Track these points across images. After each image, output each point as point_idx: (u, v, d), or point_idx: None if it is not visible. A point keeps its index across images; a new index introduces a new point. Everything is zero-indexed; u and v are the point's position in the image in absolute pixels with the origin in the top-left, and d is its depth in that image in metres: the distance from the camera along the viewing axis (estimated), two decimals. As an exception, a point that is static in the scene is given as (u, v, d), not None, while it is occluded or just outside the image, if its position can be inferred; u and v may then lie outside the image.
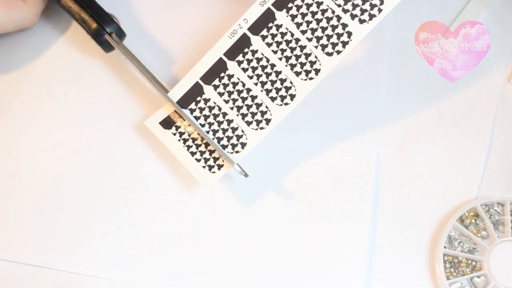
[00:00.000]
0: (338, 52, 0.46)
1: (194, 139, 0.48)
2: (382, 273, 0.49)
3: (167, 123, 0.49)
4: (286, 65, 0.47)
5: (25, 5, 0.49)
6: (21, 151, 0.52)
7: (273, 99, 0.47)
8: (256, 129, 0.47)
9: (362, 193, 0.50)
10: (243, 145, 0.47)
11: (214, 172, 0.47)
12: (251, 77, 0.47)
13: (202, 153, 0.48)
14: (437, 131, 0.52)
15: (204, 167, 0.48)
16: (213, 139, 0.48)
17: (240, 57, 0.47)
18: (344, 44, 0.46)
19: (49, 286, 0.49)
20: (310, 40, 0.46)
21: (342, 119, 0.52)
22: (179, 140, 0.48)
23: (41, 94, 0.53)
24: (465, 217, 0.50)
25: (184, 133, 0.48)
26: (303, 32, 0.46)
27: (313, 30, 0.46)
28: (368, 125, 0.52)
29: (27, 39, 0.54)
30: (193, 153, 0.48)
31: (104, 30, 0.50)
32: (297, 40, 0.46)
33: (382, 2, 0.45)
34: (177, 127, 0.48)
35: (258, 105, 0.47)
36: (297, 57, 0.46)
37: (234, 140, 0.47)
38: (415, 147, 0.52)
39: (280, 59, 0.47)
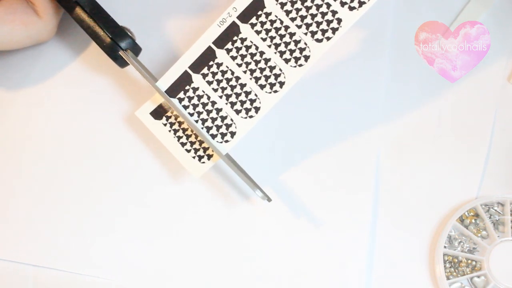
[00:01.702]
0: (328, 38, 0.46)
1: (184, 129, 0.48)
2: (382, 273, 0.49)
3: (157, 113, 0.48)
4: (275, 52, 0.46)
5: (41, 20, 0.50)
6: (21, 152, 0.52)
7: (262, 86, 0.47)
8: (246, 118, 0.47)
9: (362, 193, 0.50)
10: (233, 134, 0.47)
11: (203, 163, 0.47)
12: (240, 65, 0.47)
13: (192, 143, 0.48)
14: (437, 131, 0.52)
15: (194, 157, 0.48)
16: (202, 128, 0.47)
17: (229, 45, 0.47)
18: (334, 30, 0.45)
19: (49, 286, 0.49)
20: (299, 27, 0.46)
21: (342, 119, 0.52)
22: (169, 131, 0.48)
23: (39, 96, 0.53)
24: (465, 217, 0.50)
25: (174, 123, 0.48)
26: (293, 19, 0.46)
27: (303, 17, 0.46)
28: (368, 125, 0.52)
29: (41, 52, 0.54)
30: (183, 144, 0.48)
31: (119, 46, 0.49)
32: (287, 27, 0.46)
33: None
34: (168, 117, 0.48)
35: (247, 93, 0.47)
36: (286, 44, 0.46)
37: (223, 129, 0.47)
38: (415, 147, 0.52)
39: (269, 46, 0.47)
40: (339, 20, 0.45)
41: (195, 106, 0.48)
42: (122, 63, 0.50)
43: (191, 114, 0.48)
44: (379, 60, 0.53)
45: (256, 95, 0.47)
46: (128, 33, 0.50)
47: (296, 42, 0.46)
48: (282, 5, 0.46)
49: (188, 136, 0.48)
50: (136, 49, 0.50)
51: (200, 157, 0.48)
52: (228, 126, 0.47)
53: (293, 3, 0.46)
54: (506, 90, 0.53)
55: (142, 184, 0.51)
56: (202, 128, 0.48)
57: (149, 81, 0.48)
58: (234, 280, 0.49)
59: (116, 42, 0.49)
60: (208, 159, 0.47)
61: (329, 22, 0.46)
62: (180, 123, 0.48)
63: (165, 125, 0.48)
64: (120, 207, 0.50)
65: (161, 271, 0.49)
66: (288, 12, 0.46)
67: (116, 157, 0.52)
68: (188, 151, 0.48)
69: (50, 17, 0.50)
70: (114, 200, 0.51)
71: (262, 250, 0.50)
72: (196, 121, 0.48)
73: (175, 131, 0.48)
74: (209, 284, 0.49)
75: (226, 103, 0.47)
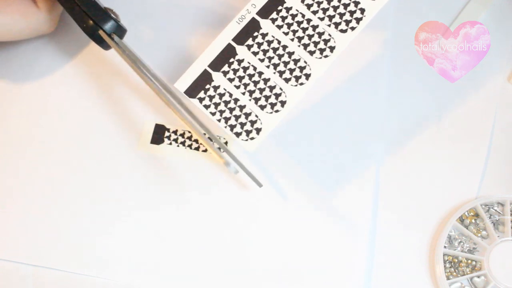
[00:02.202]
0: (353, 28, 0.46)
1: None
2: (382, 272, 0.49)
3: (158, 139, 0.50)
4: (298, 45, 0.46)
5: (41, 12, 0.50)
6: (23, 152, 0.52)
7: (287, 80, 0.46)
8: (271, 113, 0.47)
9: (362, 193, 0.50)
10: (258, 130, 0.47)
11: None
12: (262, 60, 0.47)
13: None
14: (437, 131, 0.52)
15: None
16: (225, 127, 0.47)
17: (250, 41, 0.47)
18: (358, 20, 0.46)
19: (49, 286, 0.49)
20: (322, 19, 0.46)
21: (342, 119, 0.52)
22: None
23: (44, 92, 0.53)
24: (465, 217, 0.50)
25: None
26: (314, 12, 0.46)
27: (324, 10, 0.46)
28: (368, 125, 0.52)
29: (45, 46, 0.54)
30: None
31: (100, 28, 0.48)
32: (309, 20, 0.46)
33: None
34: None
35: (272, 88, 0.46)
36: (310, 36, 0.46)
37: (248, 127, 0.47)
38: (415, 147, 0.52)
39: (292, 40, 0.46)
40: (362, 10, 0.45)
41: (216, 105, 0.47)
42: (105, 45, 0.49)
43: (213, 114, 0.47)
44: (379, 60, 0.53)
45: (281, 89, 0.46)
46: (112, 14, 0.49)
47: (320, 34, 0.46)
48: None
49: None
50: (120, 31, 0.49)
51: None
52: (253, 122, 0.47)
53: None
54: (506, 90, 0.53)
55: (141, 185, 0.51)
56: (226, 127, 0.47)
57: (129, 63, 0.47)
58: (234, 280, 0.49)
59: (98, 24, 0.48)
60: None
61: (352, 12, 0.46)
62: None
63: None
64: (120, 207, 0.50)
65: (161, 271, 0.49)
66: (309, 6, 0.46)
67: (115, 158, 0.52)
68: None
69: (48, 7, 0.50)
70: (114, 200, 0.51)
71: (261, 250, 0.49)
72: (219, 120, 0.47)
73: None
74: (207, 284, 0.49)
75: (250, 100, 0.47)
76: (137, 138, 0.52)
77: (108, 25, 0.48)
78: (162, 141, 0.52)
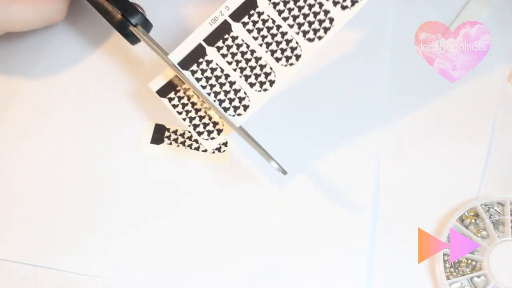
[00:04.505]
0: (320, 38, 0.46)
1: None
2: (382, 273, 0.49)
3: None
4: (266, 51, 0.47)
5: (52, 1, 0.50)
6: (23, 151, 0.52)
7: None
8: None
9: (362, 193, 0.50)
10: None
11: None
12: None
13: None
14: (437, 131, 0.52)
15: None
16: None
17: (220, 43, 0.48)
18: (326, 30, 0.46)
19: (49, 286, 0.49)
20: (291, 26, 0.46)
21: (342, 119, 0.52)
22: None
23: (44, 92, 0.53)
24: (465, 217, 0.50)
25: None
26: (285, 19, 0.46)
27: (295, 17, 0.46)
28: (368, 125, 0.52)
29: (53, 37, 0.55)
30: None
31: (129, 22, 0.49)
32: (278, 26, 0.46)
33: None
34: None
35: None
36: (278, 43, 0.47)
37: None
38: (415, 147, 0.52)
39: (261, 45, 0.47)
40: (331, 20, 0.46)
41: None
42: (133, 39, 0.50)
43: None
44: (379, 60, 0.54)
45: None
46: (139, 9, 0.50)
47: (288, 42, 0.46)
48: (275, 5, 0.47)
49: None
50: (147, 25, 0.50)
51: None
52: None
53: (285, 3, 0.47)
54: (506, 90, 0.53)
55: (141, 185, 0.51)
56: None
57: (161, 56, 0.48)
58: (235, 281, 0.49)
59: (127, 18, 0.49)
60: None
61: (321, 21, 0.46)
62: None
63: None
64: (120, 208, 0.50)
65: (161, 271, 0.49)
66: (280, 12, 0.47)
67: (115, 157, 0.52)
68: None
69: None
70: (115, 202, 0.51)
71: (261, 251, 0.50)
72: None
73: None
74: (207, 284, 0.49)
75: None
76: (137, 138, 0.52)
77: (136, 19, 0.49)
78: (162, 141, 0.52)
